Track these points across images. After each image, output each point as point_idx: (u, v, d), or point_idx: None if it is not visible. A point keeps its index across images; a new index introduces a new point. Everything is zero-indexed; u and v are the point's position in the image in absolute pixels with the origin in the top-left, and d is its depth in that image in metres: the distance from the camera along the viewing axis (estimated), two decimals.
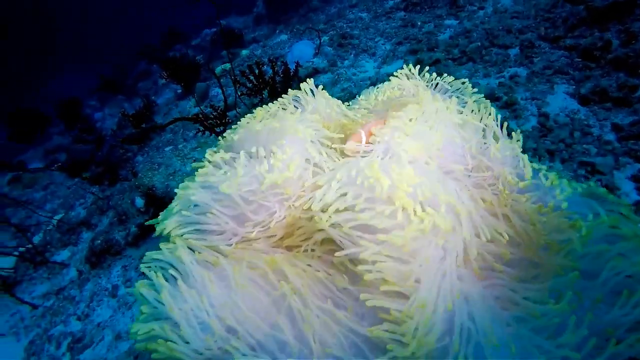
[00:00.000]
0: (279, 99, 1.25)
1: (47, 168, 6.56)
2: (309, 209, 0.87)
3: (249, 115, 1.22)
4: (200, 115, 4.03)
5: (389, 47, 4.36)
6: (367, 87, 3.76)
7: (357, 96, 1.32)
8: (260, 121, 1.10)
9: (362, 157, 0.96)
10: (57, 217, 4.70)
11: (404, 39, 4.37)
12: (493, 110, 1.09)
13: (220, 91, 5.21)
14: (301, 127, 0.99)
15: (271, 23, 8.38)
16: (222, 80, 5.35)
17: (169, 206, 0.98)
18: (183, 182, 1.03)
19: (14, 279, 3.54)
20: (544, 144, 2.40)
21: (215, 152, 1.16)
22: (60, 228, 4.09)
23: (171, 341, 0.75)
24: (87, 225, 3.96)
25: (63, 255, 3.63)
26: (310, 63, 4.18)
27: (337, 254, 0.82)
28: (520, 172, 0.95)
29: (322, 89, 1.28)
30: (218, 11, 4.19)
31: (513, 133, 1.07)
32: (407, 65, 1.35)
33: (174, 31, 10.17)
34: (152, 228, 1.04)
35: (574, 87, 2.82)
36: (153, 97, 7.69)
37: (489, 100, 1.12)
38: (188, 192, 0.95)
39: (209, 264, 0.89)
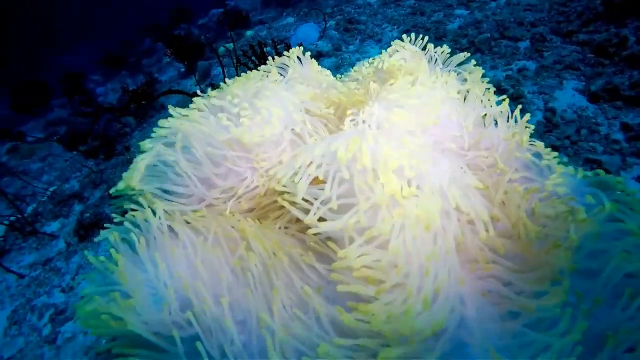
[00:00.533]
0: (262, 65, 1.17)
1: (45, 139, 6.52)
2: (283, 181, 0.79)
3: (228, 81, 1.14)
4: (200, 94, 3.95)
5: (396, 34, 4.24)
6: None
7: (353, 68, 1.24)
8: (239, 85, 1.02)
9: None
10: (52, 188, 4.66)
11: (411, 27, 4.25)
12: (492, 91, 1.01)
13: (221, 70, 5.11)
14: (285, 93, 0.91)
15: (279, 6, 8.22)
16: (224, 60, 5.25)
17: (135, 159, 0.91)
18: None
19: (3, 247, 3.50)
20: (549, 139, 2.31)
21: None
22: (53, 199, 4.05)
23: (118, 316, 0.69)
24: (79, 198, 3.92)
25: (53, 226, 3.59)
26: (314, 46, 4.07)
27: (309, 231, 0.75)
28: (523, 159, 0.88)
29: (312, 59, 1.20)
30: None
31: (517, 116, 0.99)
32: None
33: (182, 9, 10.02)
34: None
35: (584, 83, 2.72)
36: (156, 75, 7.60)
37: (491, 84, 1.04)
38: (156, 147, 0.88)
39: (173, 231, 0.83)
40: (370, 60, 1.15)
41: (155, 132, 0.95)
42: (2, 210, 5.00)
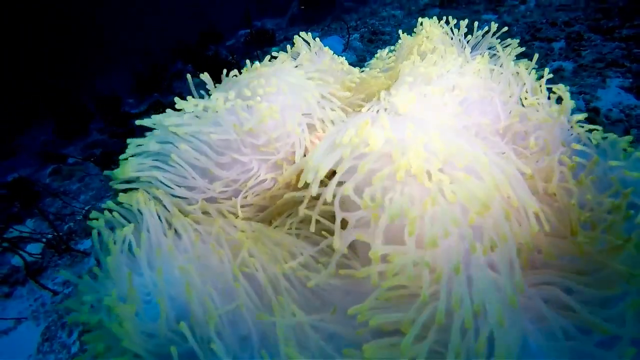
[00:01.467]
0: (274, 54, 1.11)
1: (83, 160, 6.82)
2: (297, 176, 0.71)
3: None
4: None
5: None
6: None
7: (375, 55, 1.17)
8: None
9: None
10: (88, 207, 4.82)
11: None
12: (531, 66, 0.90)
13: None
14: (297, 73, 0.84)
15: (305, 23, 8.35)
16: None
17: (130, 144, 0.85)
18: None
19: (40, 265, 3.62)
20: None
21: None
22: (87, 218, 4.17)
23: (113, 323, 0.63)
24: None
25: (86, 244, 3.68)
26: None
27: (336, 242, 0.66)
28: (571, 141, 0.76)
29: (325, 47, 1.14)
30: (247, 12, 4.16)
31: (561, 94, 0.87)
32: None
33: (210, 31, 10.40)
34: None
35: (631, 80, 2.50)
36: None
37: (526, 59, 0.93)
38: (154, 137, 0.83)
39: (173, 230, 0.76)
40: (393, 48, 1.08)
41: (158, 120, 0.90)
42: (44, 230, 5.22)
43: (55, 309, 2.93)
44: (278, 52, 4.82)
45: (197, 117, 0.83)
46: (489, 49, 1.05)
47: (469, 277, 0.60)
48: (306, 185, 0.71)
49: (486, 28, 1.08)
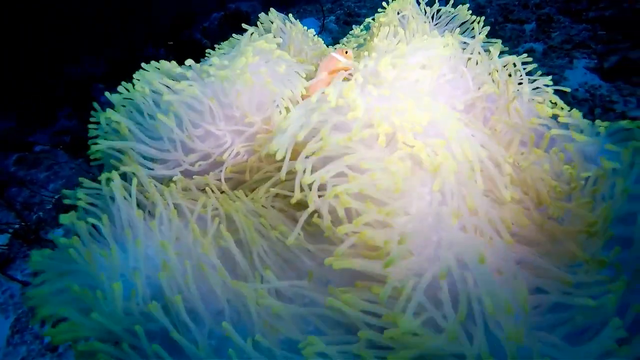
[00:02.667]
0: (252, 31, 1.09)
1: (51, 148, 6.56)
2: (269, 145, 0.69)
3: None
4: None
5: None
6: None
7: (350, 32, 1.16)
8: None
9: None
10: (58, 196, 4.65)
11: None
12: (499, 45, 0.91)
13: None
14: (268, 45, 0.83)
15: (280, 5, 8.18)
16: None
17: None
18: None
19: (7, 256, 3.49)
20: None
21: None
22: (58, 207, 4.03)
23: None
24: None
25: (58, 233, 3.56)
26: None
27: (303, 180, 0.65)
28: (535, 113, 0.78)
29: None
30: None
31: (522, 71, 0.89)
32: None
33: (184, 14, 10.06)
34: None
35: (596, 61, 2.58)
36: None
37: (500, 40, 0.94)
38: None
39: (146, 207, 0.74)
40: (365, 22, 1.07)
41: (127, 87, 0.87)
42: (10, 220, 5.01)
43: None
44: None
45: (167, 87, 0.80)
46: (460, 26, 1.05)
47: (440, 239, 0.61)
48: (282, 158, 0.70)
49: (458, 6, 1.08)
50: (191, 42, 7.11)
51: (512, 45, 3.12)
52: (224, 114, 0.81)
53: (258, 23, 1.14)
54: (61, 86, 8.75)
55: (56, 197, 4.68)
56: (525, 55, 0.93)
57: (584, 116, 2.37)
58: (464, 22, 1.07)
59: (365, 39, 1.08)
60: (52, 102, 8.89)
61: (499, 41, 0.93)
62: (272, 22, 1.09)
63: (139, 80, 0.87)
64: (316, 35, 1.12)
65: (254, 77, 0.80)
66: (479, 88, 0.83)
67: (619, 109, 2.21)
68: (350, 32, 1.13)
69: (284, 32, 1.04)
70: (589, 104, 2.29)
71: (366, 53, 0.91)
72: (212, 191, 0.79)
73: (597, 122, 0.85)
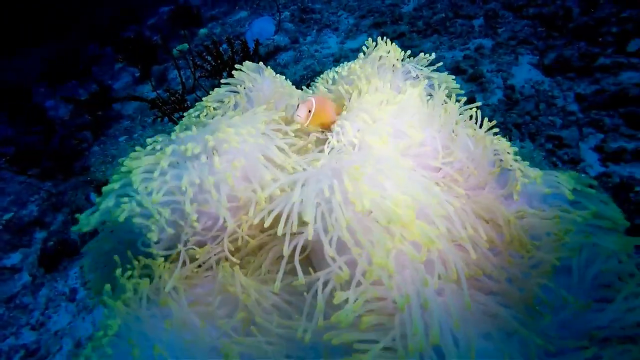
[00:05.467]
0: (221, 87, 1.09)
1: None
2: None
3: (191, 111, 1.08)
4: (158, 100, 3.78)
5: (352, 21, 4.19)
6: (332, 64, 3.61)
7: (320, 76, 1.18)
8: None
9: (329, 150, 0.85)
10: (8, 216, 4.36)
11: (367, 12, 4.21)
12: (459, 100, 0.99)
13: (178, 74, 4.92)
14: (248, 128, 0.84)
15: (231, 1, 7.95)
16: (180, 62, 5.04)
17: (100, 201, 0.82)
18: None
19: None
20: (511, 117, 2.37)
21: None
22: (10, 228, 3.80)
23: None
24: (41, 224, 3.69)
25: (14, 258, 3.37)
26: (271, 40, 3.96)
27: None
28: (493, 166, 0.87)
29: (268, 67, 1.14)
30: None
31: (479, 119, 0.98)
32: (372, 38, 1.21)
33: (128, 10, 9.52)
34: None
35: (538, 57, 2.79)
36: (109, 82, 7.22)
37: (454, 80, 1.03)
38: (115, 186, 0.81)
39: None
40: (333, 72, 1.11)
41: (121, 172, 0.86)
42: None
43: None
44: (207, 33, 4.58)
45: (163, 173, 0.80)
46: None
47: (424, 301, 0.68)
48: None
49: (427, 56, 1.14)
50: (140, 40, 6.77)
51: (463, 42, 3.28)
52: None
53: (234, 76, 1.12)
54: None
55: (6, 217, 4.40)
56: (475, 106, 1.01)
57: (531, 112, 2.56)
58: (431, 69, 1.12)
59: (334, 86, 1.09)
60: None
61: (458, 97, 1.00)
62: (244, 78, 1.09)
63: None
64: (283, 78, 1.13)
65: (241, 160, 0.81)
66: (443, 146, 0.89)
67: (559, 104, 2.41)
68: (322, 76, 1.16)
69: (256, 83, 1.05)
70: (534, 100, 2.49)
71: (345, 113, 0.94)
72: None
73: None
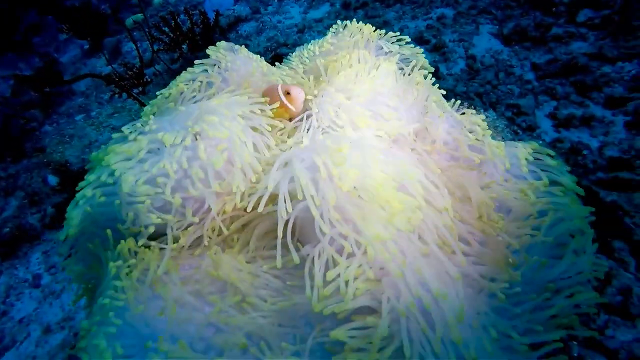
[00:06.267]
0: (194, 67, 1.07)
1: None
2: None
3: (164, 91, 1.05)
4: (114, 75, 3.57)
5: None
6: (295, 35, 3.54)
7: (284, 49, 1.18)
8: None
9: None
10: None
11: None
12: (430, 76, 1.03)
13: (134, 46, 4.63)
14: (227, 112, 0.85)
15: None
16: (134, 33, 4.74)
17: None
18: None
19: None
20: (473, 86, 2.45)
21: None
22: None
23: None
24: None
25: None
26: (231, 11, 3.80)
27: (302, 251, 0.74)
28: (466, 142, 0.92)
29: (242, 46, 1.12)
30: None
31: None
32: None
33: None
34: None
35: (497, 27, 2.87)
36: (55, 55, 6.69)
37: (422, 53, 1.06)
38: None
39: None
40: (309, 48, 1.11)
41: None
42: None
43: None
44: (161, 3, 4.30)
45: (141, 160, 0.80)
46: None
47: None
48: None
49: (397, 34, 1.16)
50: (88, 9, 6.28)
51: (425, 12, 3.30)
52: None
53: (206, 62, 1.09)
54: None
55: None
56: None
57: (491, 81, 2.64)
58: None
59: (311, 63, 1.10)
60: None
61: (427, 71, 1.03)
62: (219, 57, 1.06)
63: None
64: (258, 56, 1.12)
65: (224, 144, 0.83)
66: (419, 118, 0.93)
67: (517, 73, 2.52)
68: (296, 52, 1.15)
69: (231, 62, 1.03)
70: (494, 69, 2.58)
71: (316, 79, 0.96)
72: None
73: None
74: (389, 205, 0.70)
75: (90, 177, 0.88)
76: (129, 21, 4.95)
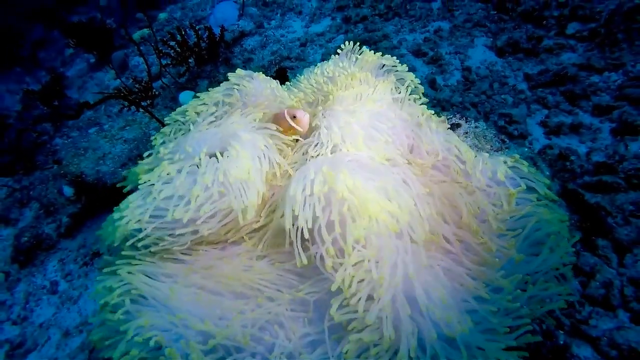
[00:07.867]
0: (217, 89, 1.21)
1: None
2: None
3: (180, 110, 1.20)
4: (123, 89, 3.71)
5: (315, 4, 4.25)
6: (298, 49, 3.68)
7: (301, 75, 1.32)
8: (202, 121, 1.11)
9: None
10: None
11: None
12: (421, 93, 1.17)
13: (141, 60, 4.79)
14: (247, 135, 1.01)
15: None
16: (141, 48, 4.90)
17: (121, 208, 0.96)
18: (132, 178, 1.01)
19: None
20: (469, 97, 2.58)
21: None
22: None
23: None
24: (5, 221, 3.59)
25: None
26: (236, 26, 3.96)
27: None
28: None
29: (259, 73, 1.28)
30: None
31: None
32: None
33: None
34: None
35: (491, 39, 3.01)
36: (61, 69, 6.86)
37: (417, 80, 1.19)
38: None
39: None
40: (315, 72, 1.24)
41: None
42: None
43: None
44: (167, 18, 4.48)
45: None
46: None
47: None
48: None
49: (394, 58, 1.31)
50: (95, 24, 6.46)
51: (423, 25, 3.45)
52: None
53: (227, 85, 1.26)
54: None
55: None
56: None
57: (486, 91, 2.77)
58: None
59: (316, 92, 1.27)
60: None
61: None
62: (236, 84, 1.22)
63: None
64: (271, 78, 1.26)
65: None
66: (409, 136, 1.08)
67: (511, 83, 2.66)
68: (303, 75, 1.28)
69: (249, 88, 1.18)
70: (489, 80, 2.71)
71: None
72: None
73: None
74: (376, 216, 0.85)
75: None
76: (135, 36, 5.12)
